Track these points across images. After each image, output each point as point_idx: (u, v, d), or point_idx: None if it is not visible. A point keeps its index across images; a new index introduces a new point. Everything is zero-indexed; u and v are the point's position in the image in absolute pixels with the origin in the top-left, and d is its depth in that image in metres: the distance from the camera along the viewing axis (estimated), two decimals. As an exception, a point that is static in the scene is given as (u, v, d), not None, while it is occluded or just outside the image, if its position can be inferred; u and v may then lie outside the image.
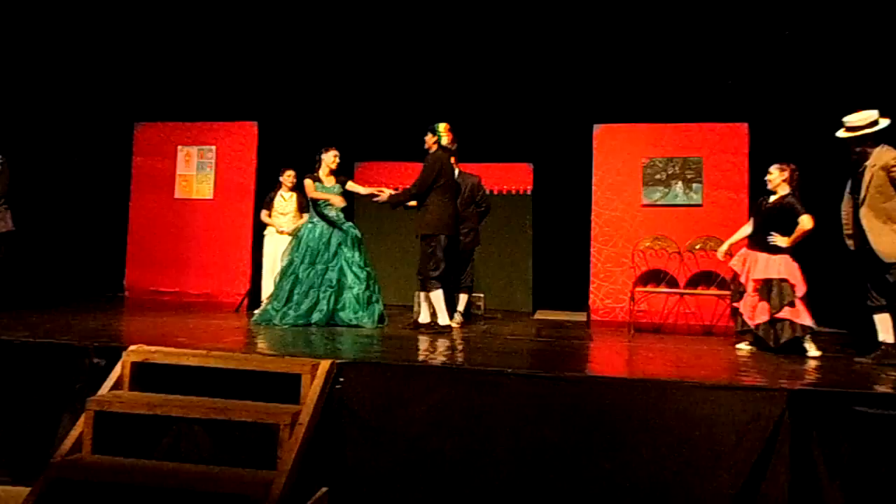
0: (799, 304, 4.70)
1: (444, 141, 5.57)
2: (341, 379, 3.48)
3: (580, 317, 7.10)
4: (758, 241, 4.94)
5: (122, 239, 7.90)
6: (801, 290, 4.72)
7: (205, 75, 8.10)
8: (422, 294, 5.61)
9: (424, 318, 5.53)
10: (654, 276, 6.58)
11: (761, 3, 6.90)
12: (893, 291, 4.27)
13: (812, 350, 4.69)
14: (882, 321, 4.43)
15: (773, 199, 4.93)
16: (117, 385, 3.52)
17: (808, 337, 4.72)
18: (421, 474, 3.34)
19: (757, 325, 4.83)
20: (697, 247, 6.48)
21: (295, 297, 5.47)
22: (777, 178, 4.91)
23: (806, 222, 4.70)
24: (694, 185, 6.65)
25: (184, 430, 3.46)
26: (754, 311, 4.84)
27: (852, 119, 4.42)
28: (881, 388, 3.47)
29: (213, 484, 3.02)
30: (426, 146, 5.60)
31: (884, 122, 4.35)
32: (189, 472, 3.12)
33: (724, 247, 5.29)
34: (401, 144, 8.32)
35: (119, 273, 7.88)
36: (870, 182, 4.28)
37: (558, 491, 3.23)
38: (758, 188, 5.99)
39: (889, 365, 4.22)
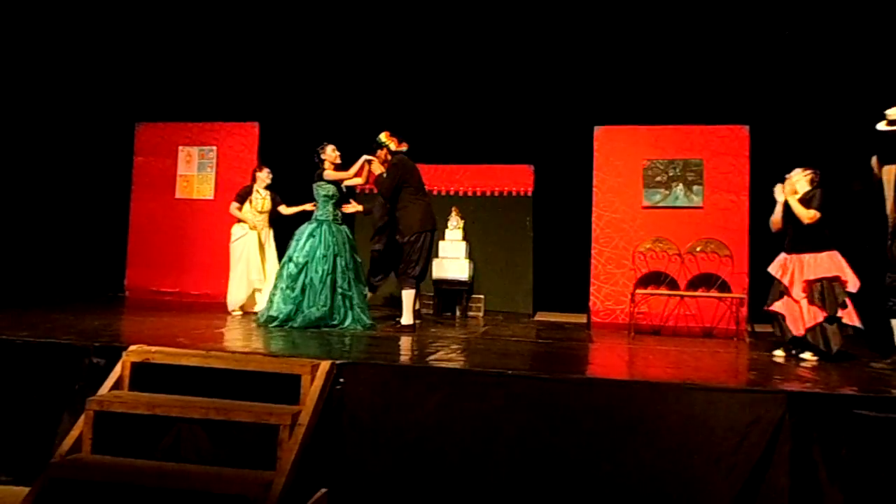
0: (849, 304, 4.48)
1: (394, 147, 5.62)
2: (341, 380, 3.48)
3: (580, 318, 7.10)
4: (795, 245, 4.70)
5: (122, 239, 7.92)
6: (853, 285, 4.48)
7: (206, 76, 8.11)
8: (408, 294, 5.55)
9: (408, 320, 5.49)
10: (655, 278, 6.57)
11: (762, 5, 6.90)
12: None
13: (809, 357, 4.54)
14: None
15: (797, 197, 4.70)
16: (117, 385, 3.52)
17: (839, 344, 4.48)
18: (421, 476, 3.34)
19: (807, 330, 4.54)
20: (698, 249, 6.48)
21: (307, 300, 5.29)
22: (801, 178, 4.75)
23: (807, 214, 4.55)
24: (695, 188, 6.65)
25: (184, 430, 3.45)
26: (804, 315, 4.56)
27: (894, 112, 4.29)
28: (882, 392, 3.46)
29: (213, 484, 3.02)
30: (381, 160, 5.65)
31: None
32: (189, 472, 3.12)
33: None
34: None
35: (120, 273, 7.89)
36: None
37: (558, 492, 3.23)
38: (758, 191, 6.00)
39: None
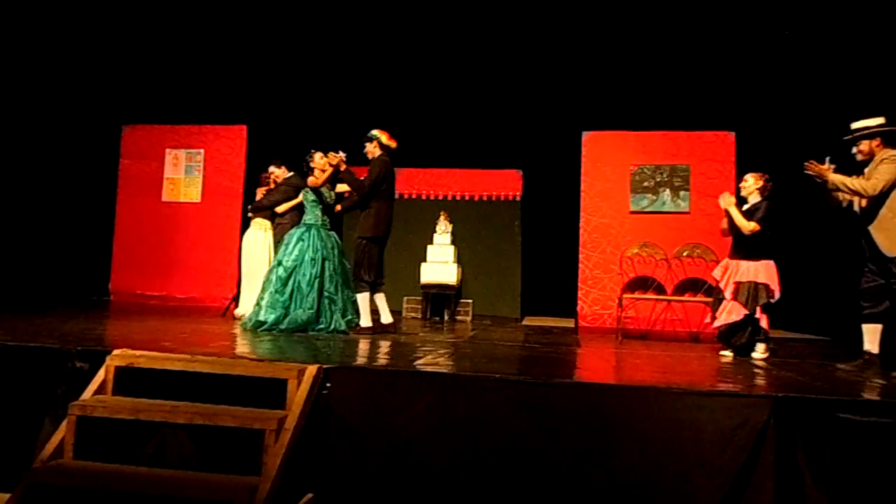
0: (763, 309, 4.88)
1: (384, 140, 5.57)
2: (328, 384, 3.46)
3: (568, 323, 7.12)
4: (737, 250, 5.04)
5: (108, 242, 7.84)
6: (775, 295, 4.85)
7: (194, 78, 8.08)
8: (376, 297, 5.54)
9: (385, 318, 5.53)
10: (642, 283, 6.61)
11: (749, 14, 6.98)
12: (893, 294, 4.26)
13: (759, 352, 4.87)
14: (870, 331, 4.43)
15: (745, 207, 5.05)
16: (100, 390, 3.47)
17: (760, 340, 4.91)
18: (408, 481, 3.32)
19: (724, 325, 4.97)
20: (685, 254, 6.52)
21: (294, 303, 5.31)
22: (752, 186, 5.05)
23: (747, 226, 4.88)
24: (681, 193, 6.69)
25: (168, 435, 3.41)
26: (726, 309, 4.96)
27: (861, 122, 4.50)
28: (865, 396, 3.50)
29: (197, 490, 2.98)
30: (368, 154, 5.59)
31: (879, 120, 4.45)
32: (173, 478, 3.09)
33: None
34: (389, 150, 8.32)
35: (105, 276, 7.81)
36: (870, 177, 4.33)
37: (546, 497, 3.23)
38: (743, 198, 6.04)
39: (871, 374, 4.24)
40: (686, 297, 6.43)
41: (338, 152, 5.52)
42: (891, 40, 6.48)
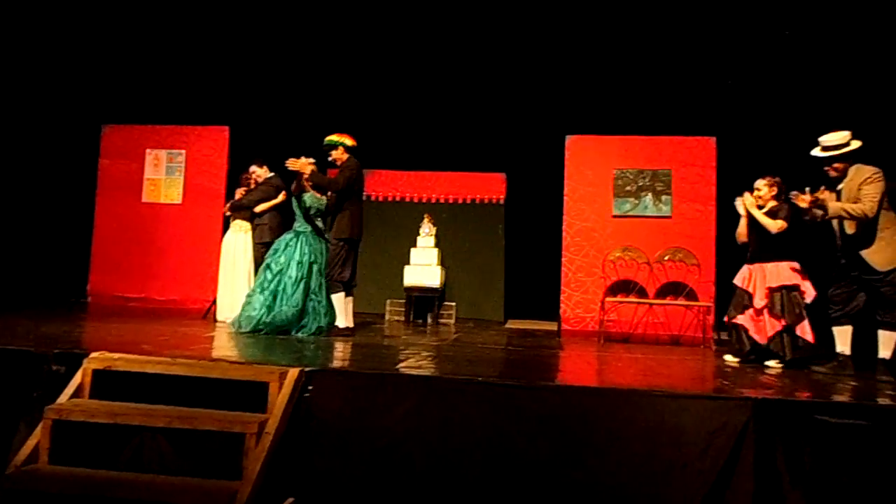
0: (805, 317, 4.64)
1: (349, 143, 5.54)
2: (310, 387, 3.44)
3: (551, 326, 7.14)
4: (758, 255, 4.86)
5: (86, 243, 7.73)
6: (810, 295, 4.66)
7: (176, 78, 7.99)
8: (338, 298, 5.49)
9: (343, 323, 5.45)
10: (624, 287, 6.65)
11: (729, 21, 7.07)
12: (885, 304, 4.30)
13: (773, 363, 4.67)
14: (841, 333, 4.52)
15: (763, 211, 4.88)
16: (77, 393, 3.42)
17: (812, 354, 4.63)
18: (390, 484, 3.31)
19: (769, 339, 4.69)
20: (666, 258, 6.58)
21: (278, 304, 5.35)
22: (766, 194, 4.91)
23: (775, 224, 4.72)
24: (663, 197, 6.75)
25: (147, 439, 3.36)
26: (765, 324, 4.70)
27: (828, 139, 4.52)
28: (841, 398, 3.55)
29: (176, 495, 2.94)
30: (337, 161, 5.55)
31: (856, 144, 4.49)
32: (151, 482, 3.04)
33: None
34: (373, 152, 8.31)
35: (83, 278, 7.69)
36: (847, 197, 4.39)
37: (527, 499, 3.23)
38: (725, 201, 6.13)
39: (845, 376, 4.31)
40: (668, 301, 6.48)
41: (306, 158, 5.50)
42: (865, 46, 6.61)
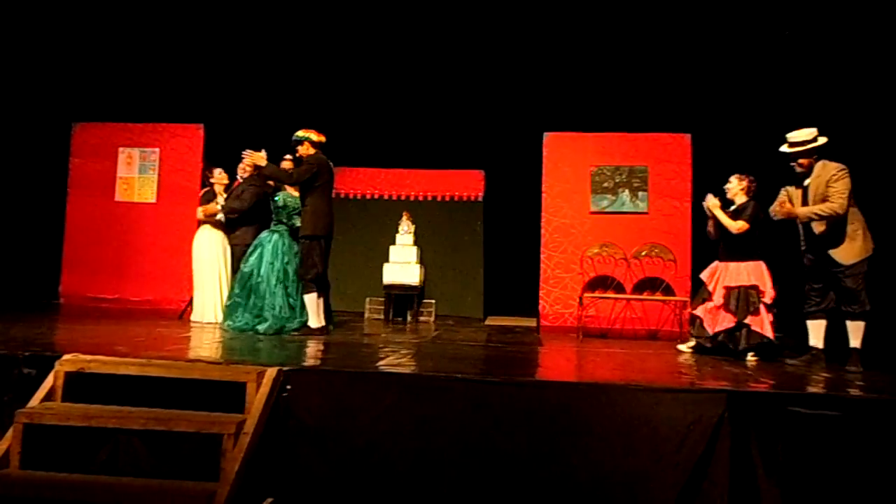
0: (763, 313, 4.78)
1: (315, 138, 5.44)
2: (288, 387, 3.41)
3: (530, 322, 7.18)
4: (725, 253, 5.01)
5: (58, 243, 7.57)
6: (769, 296, 4.80)
7: (149, 75, 7.87)
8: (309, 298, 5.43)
9: (315, 324, 5.37)
10: (602, 282, 6.71)
11: (703, 20, 7.16)
12: (854, 296, 4.40)
13: (749, 357, 4.78)
14: (814, 327, 4.64)
15: (731, 209, 5.05)
16: (49, 396, 3.35)
17: (768, 346, 4.77)
18: (370, 483, 3.30)
19: (717, 332, 4.89)
20: (643, 254, 6.64)
21: (254, 305, 5.40)
22: (736, 188, 5.05)
23: (734, 225, 4.88)
24: (640, 194, 6.81)
25: (122, 442, 3.32)
26: (717, 318, 4.89)
27: (795, 135, 4.62)
28: (813, 390, 3.62)
29: (153, 497, 2.90)
30: (303, 157, 5.46)
31: (822, 140, 4.59)
32: (126, 486, 3.00)
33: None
34: (351, 150, 8.27)
35: (54, 279, 7.53)
36: (815, 193, 4.49)
37: (507, 495, 3.24)
38: (701, 197, 6.20)
39: (817, 368, 4.41)
40: (645, 296, 6.55)
41: (260, 150, 5.42)
42: (837, 46, 6.75)
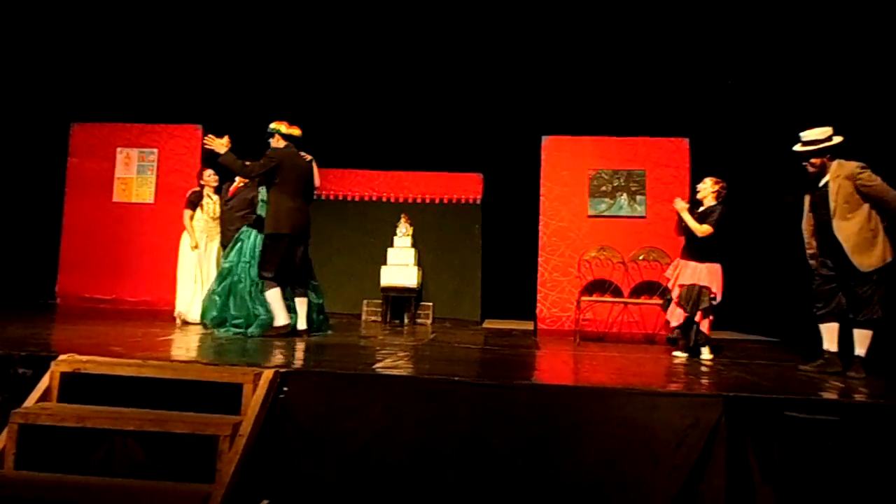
0: (709, 314, 4.98)
1: (284, 129, 5.26)
2: (285, 388, 3.40)
3: (528, 325, 7.18)
4: (687, 251, 5.14)
5: (55, 243, 7.56)
6: (718, 297, 4.97)
7: (148, 76, 7.87)
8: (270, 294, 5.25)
9: (281, 321, 5.14)
10: (600, 286, 6.71)
11: (702, 25, 7.19)
12: (866, 303, 4.28)
13: (706, 354, 4.97)
14: (827, 330, 4.49)
15: (700, 210, 5.15)
16: (45, 397, 3.34)
17: (702, 343, 5.01)
18: (366, 485, 3.29)
19: (674, 328, 5.14)
20: (641, 257, 6.65)
21: (230, 305, 5.31)
22: (707, 190, 5.14)
23: (700, 229, 4.97)
24: (638, 198, 6.83)
25: (117, 443, 3.30)
26: (673, 315, 5.11)
27: (809, 134, 4.48)
28: (811, 395, 3.62)
29: (148, 499, 2.89)
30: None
31: (837, 139, 4.44)
32: (122, 487, 2.98)
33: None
34: (349, 152, 8.28)
35: (51, 279, 7.52)
36: (837, 193, 4.32)
37: (503, 498, 3.24)
38: (698, 201, 6.21)
39: (832, 373, 4.32)
40: (642, 300, 6.56)
41: (223, 137, 5.22)
42: (838, 48, 6.76)
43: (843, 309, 4.47)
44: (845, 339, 4.50)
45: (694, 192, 5.35)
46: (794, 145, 4.57)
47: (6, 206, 7.58)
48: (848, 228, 4.28)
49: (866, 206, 4.27)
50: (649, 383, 3.80)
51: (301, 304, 5.29)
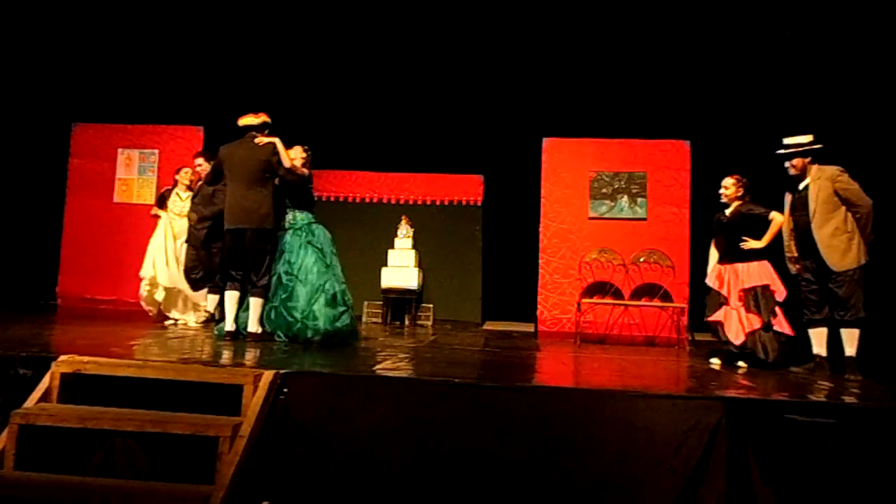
0: (779, 312, 4.75)
1: (241, 122, 5.21)
2: (285, 390, 3.40)
3: (528, 327, 7.17)
4: (728, 255, 4.95)
5: (55, 244, 7.57)
6: (781, 294, 4.77)
7: (149, 77, 7.87)
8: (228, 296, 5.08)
9: (230, 325, 4.95)
10: (600, 288, 6.71)
11: (703, 27, 7.19)
12: (848, 304, 4.41)
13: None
14: (816, 335, 4.62)
15: (729, 210, 5.01)
16: (45, 397, 3.34)
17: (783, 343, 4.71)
18: (366, 487, 3.29)
19: (746, 337, 4.73)
20: (641, 259, 6.65)
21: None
22: (732, 190, 5.02)
23: (778, 217, 4.83)
24: (639, 200, 6.83)
25: (118, 444, 3.30)
26: (742, 321, 4.75)
27: (791, 139, 4.73)
28: (810, 398, 3.62)
29: (148, 500, 2.89)
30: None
31: (817, 145, 4.67)
32: (122, 487, 2.98)
33: (711, 269, 5.13)
34: (349, 153, 8.28)
35: (52, 280, 7.52)
36: (817, 195, 4.51)
37: (504, 501, 3.24)
38: (699, 203, 6.23)
39: (821, 377, 4.39)
40: (643, 302, 6.55)
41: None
42: (835, 55, 6.77)
43: (830, 315, 4.59)
44: (833, 343, 4.59)
45: (695, 195, 5.34)
46: (777, 150, 4.75)
47: (7, 207, 7.59)
48: (825, 230, 4.46)
49: (843, 209, 4.47)
50: (650, 386, 3.80)
51: (255, 304, 4.89)
